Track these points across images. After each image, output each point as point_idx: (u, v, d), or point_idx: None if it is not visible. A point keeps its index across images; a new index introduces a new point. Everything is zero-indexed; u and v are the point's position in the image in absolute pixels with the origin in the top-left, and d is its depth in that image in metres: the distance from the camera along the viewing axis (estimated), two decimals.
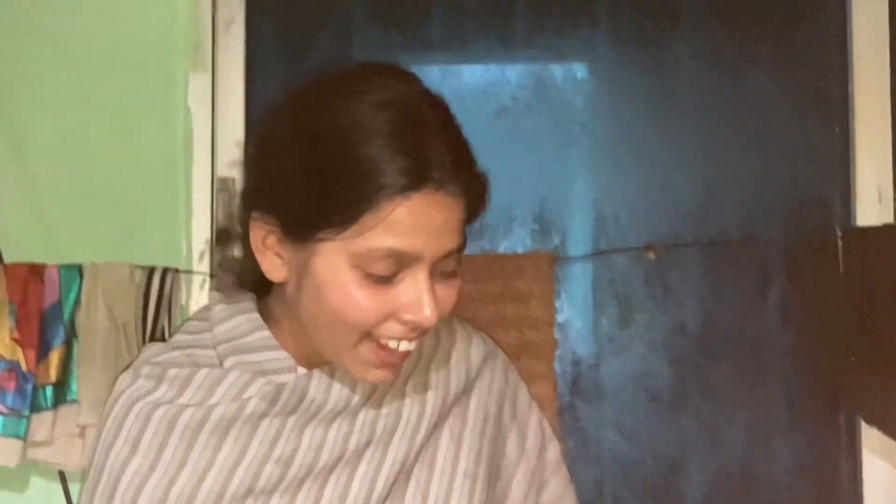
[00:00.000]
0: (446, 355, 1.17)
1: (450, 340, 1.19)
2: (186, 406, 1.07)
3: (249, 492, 1.03)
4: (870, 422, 1.66)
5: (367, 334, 1.00)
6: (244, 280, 1.14)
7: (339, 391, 1.09)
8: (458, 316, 1.23)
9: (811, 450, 1.80)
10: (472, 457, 1.12)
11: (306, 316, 1.03)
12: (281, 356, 1.09)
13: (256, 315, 1.12)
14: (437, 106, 1.01)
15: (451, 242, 1.00)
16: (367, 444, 1.08)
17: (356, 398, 1.09)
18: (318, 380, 1.08)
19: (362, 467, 1.06)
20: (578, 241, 1.83)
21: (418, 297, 0.99)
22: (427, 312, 0.99)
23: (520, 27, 1.85)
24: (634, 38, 1.85)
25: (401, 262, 0.98)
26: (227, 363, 1.09)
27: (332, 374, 1.09)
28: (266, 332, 1.10)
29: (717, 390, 1.80)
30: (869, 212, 1.75)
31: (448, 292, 1.03)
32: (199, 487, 1.04)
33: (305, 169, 1.00)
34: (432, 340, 1.17)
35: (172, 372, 1.10)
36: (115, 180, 1.67)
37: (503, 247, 1.80)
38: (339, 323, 1.00)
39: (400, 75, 1.02)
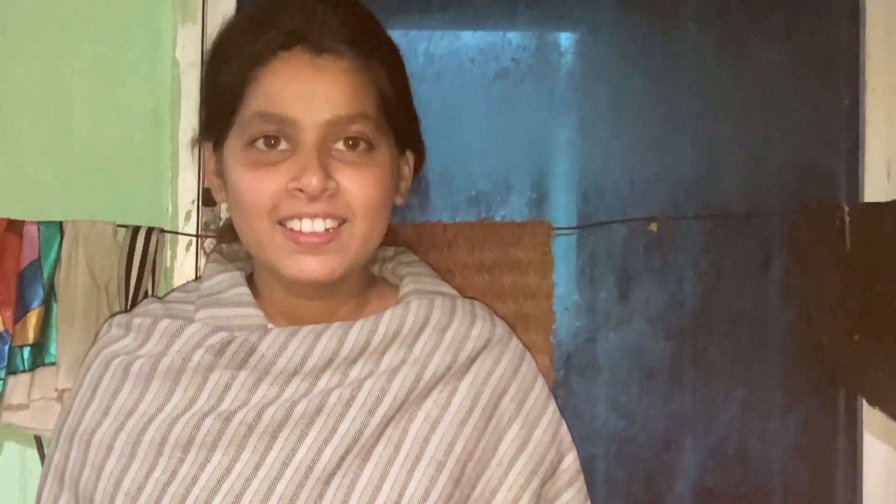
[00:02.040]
0: (438, 333, 1.11)
1: (446, 318, 1.13)
2: (140, 355, 1.10)
3: (189, 443, 1.04)
4: (872, 403, 1.63)
5: (277, 222, 1.02)
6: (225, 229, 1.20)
7: (293, 350, 1.06)
8: (476, 299, 1.20)
9: (809, 429, 1.77)
10: (444, 444, 1.05)
11: (237, 227, 1.07)
12: (252, 313, 1.10)
13: (240, 274, 1.15)
14: None
15: (336, 108, 1.02)
16: (318, 411, 1.04)
17: (314, 359, 1.06)
18: (273, 337, 1.07)
19: (311, 435, 1.03)
20: (577, 211, 1.79)
21: (301, 162, 1.01)
22: (313, 179, 1.00)
23: None
24: (638, 2, 1.80)
25: (283, 132, 1.02)
26: (198, 316, 1.11)
27: (293, 334, 1.07)
28: (243, 289, 1.12)
29: (714, 367, 1.77)
30: (877, 188, 1.71)
31: (357, 177, 1.03)
32: (143, 434, 1.05)
33: (208, 75, 1.13)
34: (421, 315, 1.11)
35: (137, 321, 1.13)
36: (97, 136, 1.62)
37: (500, 215, 1.75)
38: (246, 215, 1.04)
39: None
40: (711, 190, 1.78)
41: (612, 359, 1.77)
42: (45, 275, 1.52)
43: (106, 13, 1.63)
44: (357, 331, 1.08)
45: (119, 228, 1.55)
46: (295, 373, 1.06)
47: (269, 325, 1.10)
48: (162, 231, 1.57)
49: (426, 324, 1.11)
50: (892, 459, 1.71)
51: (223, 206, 1.63)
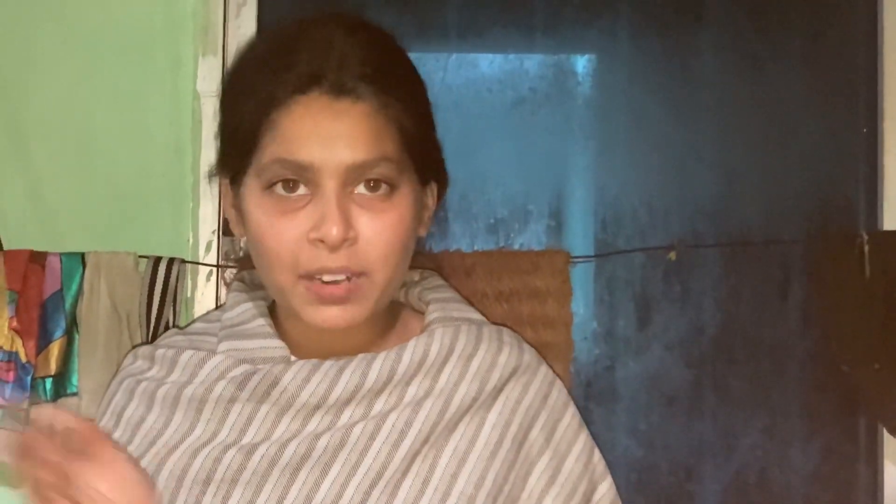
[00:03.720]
0: (463, 362, 1.08)
1: (472, 346, 1.09)
2: (163, 382, 1.09)
3: (210, 477, 1.02)
4: (892, 431, 1.62)
5: (301, 274, 1.00)
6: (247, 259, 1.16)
7: (317, 384, 1.04)
8: (504, 325, 1.17)
9: (829, 457, 1.76)
10: (473, 478, 1.02)
11: (259, 271, 1.05)
12: (274, 344, 1.08)
13: (263, 304, 1.13)
14: (341, 18, 1.04)
15: (355, 153, 0.98)
16: (342, 445, 1.02)
17: (337, 393, 1.04)
18: (296, 370, 1.05)
19: (334, 470, 1.01)
20: (595, 238, 1.79)
21: (322, 212, 0.98)
22: (333, 229, 0.97)
23: (538, 16, 1.80)
24: (656, 29, 1.81)
25: (302, 178, 0.99)
26: (221, 348, 1.09)
27: (316, 367, 1.05)
28: (264, 321, 1.10)
29: (734, 394, 1.76)
30: None
31: (377, 226, 1.00)
32: (163, 464, 1.04)
33: (223, 115, 1.09)
34: (446, 343, 1.08)
35: (160, 353, 1.11)
36: (120, 167, 1.63)
37: (518, 243, 1.75)
38: (268, 263, 1.01)
39: (324, 14, 1.06)
40: (730, 217, 1.78)
41: (631, 387, 1.76)
42: (68, 305, 1.53)
43: (128, 45, 1.64)
44: (381, 363, 1.06)
45: (140, 259, 1.56)
46: (318, 407, 1.04)
47: (292, 358, 1.08)
48: (183, 261, 1.58)
49: (451, 353, 1.08)
50: None
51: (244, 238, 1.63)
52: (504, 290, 1.62)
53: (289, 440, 1.03)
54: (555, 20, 1.80)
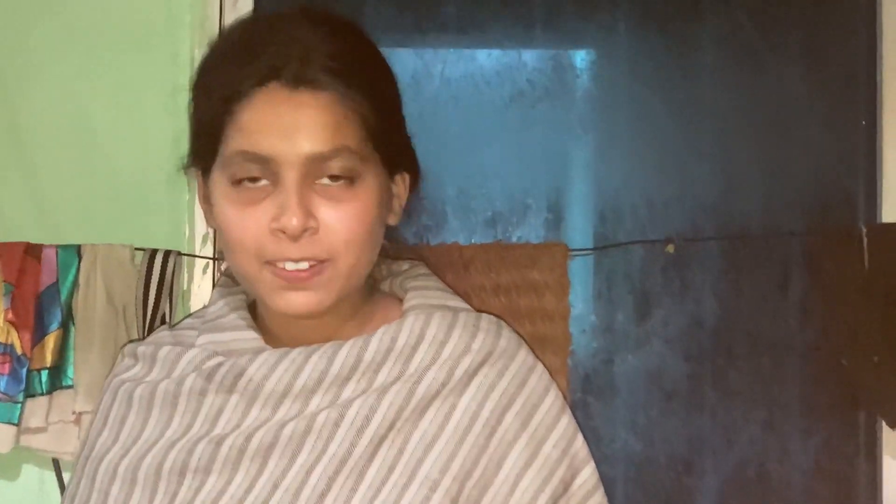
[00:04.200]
0: (435, 348, 1.08)
1: (444, 332, 1.09)
2: (144, 382, 1.11)
3: (185, 469, 1.04)
4: (892, 425, 1.61)
5: (266, 262, 1.01)
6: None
7: (282, 372, 1.06)
8: (487, 311, 1.16)
9: (829, 452, 1.75)
10: (439, 463, 1.02)
11: (228, 261, 1.07)
12: (249, 336, 1.10)
13: (242, 298, 1.15)
14: (307, 11, 1.06)
15: (314, 144, 1.00)
16: (307, 432, 1.03)
17: (302, 380, 1.05)
18: (263, 359, 1.06)
19: (301, 457, 1.02)
20: (593, 231, 1.78)
21: (282, 203, 0.99)
22: (293, 220, 0.99)
23: (537, 10, 1.80)
24: (655, 23, 1.80)
25: (263, 170, 1.00)
26: (199, 341, 1.12)
27: (283, 356, 1.06)
28: (241, 314, 1.13)
29: (733, 389, 1.75)
30: (895, 208, 1.70)
31: (339, 215, 1.01)
32: (142, 461, 1.06)
33: (192, 110, 1.10)
34: (416, 329, 1.08)
35: (142, 349, 1.15)
36: (116, 160, 1.63)
37: (516, 237, 1.75)
38: (234, 251, 1.03)
39: (290, 9, 1.07)
40: (729, 211, 1.77)
41: (630, 381, 1.75)
42: (63, 298, 1.52)
43: (125, 39, 1.64)
44: (347, 349, 1.06)
45: (136, 252, 1.56)
46: (285, 395, 1.05)
47: (267, 348, 1.09)
48: (179, 254, 1.57)
49: (421, 339, 1.08)
50: None
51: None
52: (502, 283, 1.61)
53: (256, 429, 1.04)
54: (553, 15, 1.80)
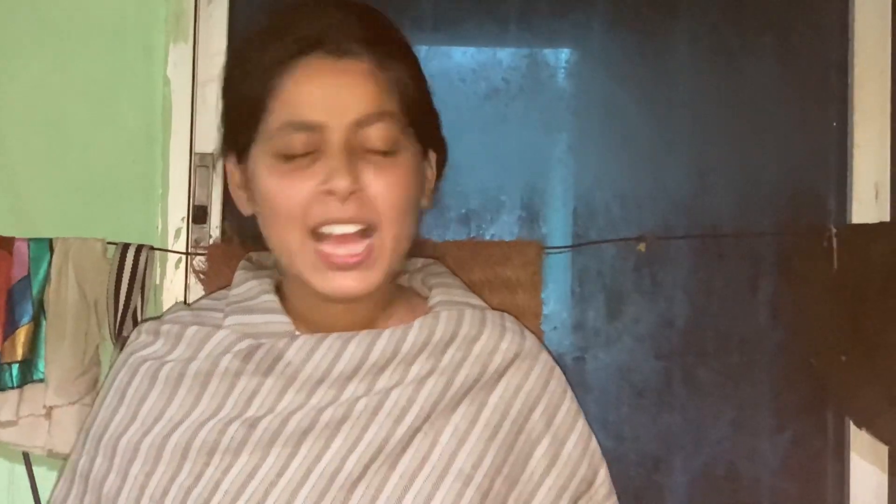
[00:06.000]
0: (467, 344, 1.10)
1: (476, 330, 1.12)
2: (169, 360, 1.10)
3: (214, 448, 1.04)
4: (859, 424, 1.63)
5: (309, 231, 1.02)
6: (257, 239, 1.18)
7: (321, 357, 1.07)
8: (506, 312, 1.19)
9: (797, 450, 1.77)
10: (472, 458, 1.05)
11: (268, 239, 1.07)
12: (280, 320, 1.10)
13: (269, 281, 1.15)
14: None
15: (358, 107, 1.02)
16: (345, 419, 1.04)
17: (340, 367, 1.06)
18: (300, 344, 1.07)
19: (336, 442, 1.03)
20: (566, 229, 1.79)
21: (330, 165, 1.01)
22: (341, 181, 1.00)
23: (513, 8, 1.80)
24: (630, 22, 1.81)
25: (311, 138, 1.01)
26: (227, 322, 1.11)
27: (320, 341, 1.07)
28: (271, 297, 1.12)
29: (703, 387, 1.77)
30: (865, 209, 1.72)
31: (384, 180, 1.03)
32: (168, 439, 1.06)
33: (227, 89, 1.10)
34: (451, 326, 1.11)
35: (166, 328, 1.13)
36: (89, 153, 1.62)
37: (490, 234, 1.76)
38: (277, 225, 1.04)
39: None
40: (701, 209, 1.78)
41: (601, 378, 1.76)
42: (35, 291, 1.52)
43: (99, 32, 1.63)
44: (386, 339, 1.08)
45: (109, 246, 1.55)
46: (322, 380, 1.06)
47: (297, 332, 1.10)
48: (152, 248, 1.57)
49: (455, 335, 1.10)
50: (878, 480, 1.71)
51: (214, 225, 1.63)
52: (475, 280, 1.61)
53: (292, 412, 1.05)
54: (529, 13, 1.80)
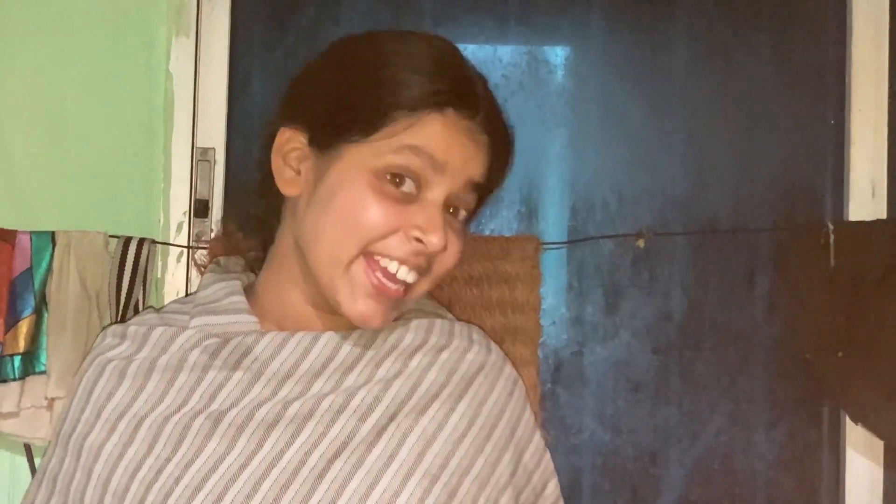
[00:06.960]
0: (434, 352, 1.14)
1: (444, 339, 1.16)
2: (132, 359, 1.12)
3: (179, 443, 1.06)
4: (854, 419, 1.64)
5: (367, 252, 1.03)
6: (250, 219, 1.21)
7: (288, 353, 1.09)
8: (472, 323, 1.24)
9: (793, 444, 1.78)
10: (439, 459, 1.07)
11: (309, 233, 1.06)
12: (247, 320, 1.12)
13: (237, 283, 1.17)
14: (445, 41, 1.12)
15: (475, 171, 1.07)
16: (311, 414, 1.06)
17: (308, 363, 1.08)
18: (269, 340, 1.09)
19: (302, 437, 1.05)
20: (565, 225, 1.80)
21: (431, 216, 1.04)
22: (436, 237, 1.03)
23: (513, 6, 1.81)
24: (628, 19, 1.82)
25: (420, 168, 1.03)
26: (193, 323, 1.13)
27: (288, 338, 1.09)
28: (238, 298, 1.14)
29: (700, 381, 1.78)
30: (861, 206, 1.72)
31: (455, 243, 1.08)
32: (134, 435, 1.07)
33: (346, 75, 1.08)
34: (419, 334, 1.15)
35: (132, 329, 1.15)
36: (91, 146, 1.62)
37: (489, 229, 1.76)
38: (343, 231, 1.03)
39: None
40: (699, 206, 1.79)
41: (598, 372, 1.77)
42: (37, 284, 1.52)
43: (101, 25, 1.63)
44: (354, 340, 1.11)
45: (111, 239, 1.56)
46: (289, 375, 1.08)
47: (265, 332, 1.12)
48: (153, 242, 1.57)
49: (425, 342, 1.14)
50: (874, 475, 1.72)
51: (215, 219, 1.63)
52: (474, 274, 1.62)
53: (259, 406, 1.07)
54: (529, 11, 1.81)
